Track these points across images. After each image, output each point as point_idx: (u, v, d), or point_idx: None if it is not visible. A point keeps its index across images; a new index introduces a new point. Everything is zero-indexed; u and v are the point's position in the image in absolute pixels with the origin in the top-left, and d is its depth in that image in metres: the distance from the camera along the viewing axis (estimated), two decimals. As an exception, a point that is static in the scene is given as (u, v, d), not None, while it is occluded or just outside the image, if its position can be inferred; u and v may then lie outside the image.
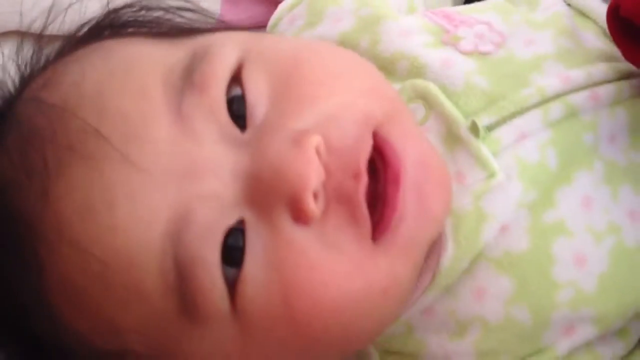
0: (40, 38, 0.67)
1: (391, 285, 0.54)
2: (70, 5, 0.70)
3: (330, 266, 0.52)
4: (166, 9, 0.67)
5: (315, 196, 0.51)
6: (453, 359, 0.61)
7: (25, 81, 0.62)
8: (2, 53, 0.69)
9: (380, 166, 0.54)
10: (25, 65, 0.63)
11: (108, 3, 0.67)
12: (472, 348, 0.60)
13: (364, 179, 0.52)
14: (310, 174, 0.50)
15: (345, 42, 0.67)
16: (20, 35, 0.69)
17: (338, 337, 0.54)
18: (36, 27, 0.69)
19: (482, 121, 0.60)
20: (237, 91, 0.54)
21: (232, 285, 0.51)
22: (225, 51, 0.55)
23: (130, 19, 0.66)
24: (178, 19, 0.67)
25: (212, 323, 0.52)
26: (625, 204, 0.60)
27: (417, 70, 0.63)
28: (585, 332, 0.60)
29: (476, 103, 0.61)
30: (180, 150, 0.51)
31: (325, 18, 0.70)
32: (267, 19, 0.82)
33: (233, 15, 0.79)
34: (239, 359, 0.54)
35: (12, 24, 0.74)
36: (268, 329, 0.52)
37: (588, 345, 0.61)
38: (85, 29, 0.65)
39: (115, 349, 0.54)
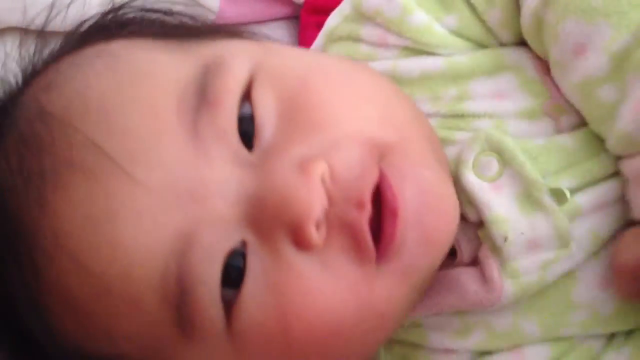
0: (42, 34, 0.66)
1: (388, 310, 0.54)
2: (72, 2, 0.69)
3: (329, 291, 0.52)
4: (167, 11, 0.66)
5: (318, 224, 0.51)
6: (451, 354, 0.61)
7: (28, 77, 0.61)
8: (4, 48, 0.69)
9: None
10: (29, 61, 0.63)
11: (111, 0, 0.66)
12: (471, 348, 0.61)
13: (368, 209, 0.51)
14: (314, 203, 0.50)
15: (426, 84, 0.63)
16: (23, 31, 0.69)
17: (333, 358, 0.54)
18: (38, 23, 0.69)
19: (562, 183, 0.56)
20: (246, 109, 0.54)
21: (229, 305, 0.52)
22: (237, 64, 0.54)
23: (134, 17, 0.65)
24: (181, 18, 0.66)
25: (207, 340, 0.52)
26: None
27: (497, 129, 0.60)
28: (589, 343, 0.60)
29: (558, 162, 0.58)
30: (191, 172, 0.51)
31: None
32: (266, 15, 0.83)
33: (233, 10, 0.79)
34: None
35: (14, 19, 0.74)
36: (263, 349, 0.53)
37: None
38: (88, 24, 0.64)
39: (110, 355, 0.54)
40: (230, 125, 0.53)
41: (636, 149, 0.54)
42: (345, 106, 0.55)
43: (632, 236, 0.54)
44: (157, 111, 0.52)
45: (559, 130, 0.59)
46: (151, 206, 0.51)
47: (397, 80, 0.63)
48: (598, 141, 0.57)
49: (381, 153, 0.54)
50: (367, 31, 0.64)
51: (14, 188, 0.54)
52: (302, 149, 0.52)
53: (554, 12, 0.56)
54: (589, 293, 0.57)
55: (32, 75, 0.61)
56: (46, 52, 0.63)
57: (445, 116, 0.61)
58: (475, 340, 0.60)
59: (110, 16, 0.65)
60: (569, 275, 0.57)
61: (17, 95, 0.60)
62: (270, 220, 0.51)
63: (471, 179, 0.57)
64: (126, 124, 0.52)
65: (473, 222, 0.58)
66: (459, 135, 0.60)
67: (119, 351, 0.54)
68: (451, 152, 0.59)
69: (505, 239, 0.56)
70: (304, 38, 0.80)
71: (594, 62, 0.54)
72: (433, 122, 0.61)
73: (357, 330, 0.53)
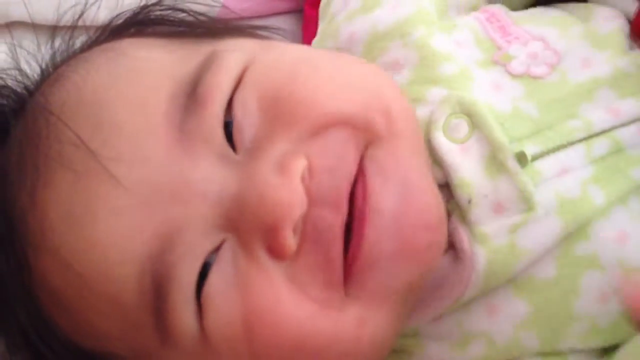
0: (73, 29, 0.68)
1: (365, 333, 0.53)
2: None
3: (295, 303, 0.51)
4: (182, 9, 0.67)
5: (294, 229, 0.50)
6: None
7: (50, 71, 0.63)
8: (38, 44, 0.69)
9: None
10: (55, 53, 0.64)
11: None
12: None
13: (343, 211, 0.51)
14: (294, 206, 0.50)
15: (397, 29, 0.64)
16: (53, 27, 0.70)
17: None
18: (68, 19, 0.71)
19: (527, 150, 0.57)
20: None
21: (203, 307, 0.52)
22: (232, 58, 0.55)
23: (157, 17, 0.66)
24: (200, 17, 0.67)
25: (182, 342, 0.53)
26: None
27: (464, 81, 0.61)
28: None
29: (522, 129, 0.58)
30: (175, 172, 0.51)
31: (385, 2, 0.66)
32: (270, 8, 0.83)
33: (236, 4, 0.79)
34: None
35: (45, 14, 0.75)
36: (230, 352, 0.53)
37: None
38: (117, 22, 0.66)
39: (102, 352, 0.56)
40: (216, 124, 0.53)
41: None
42: (330, 96, 0.54)
43: None
44: (147, 109, 0.53)
45: (510, 74, 0.61)
46: (131, 206, 0.51)
47: (374, 34, 0.64)
48: (562, 107, 0.59)
49: (366, 139, 0.53)
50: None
51: (10, 180, 0.55)
52: (283, 145, 0.52)
53: None
54: (590, 306, 0.56)
55: (53, 68, 0.63)
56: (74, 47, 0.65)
57: (415, 66, 0.62)
58: (474, 353, 0.59)
59: (136, 17, 0.66)
60: (572, 288, 0.56)
61: (35, 88, 0.62)
62: (249, 222, 0.51)
63: (441, 139, 0.58)
64: (115, 120, 0.53)
65: (439, 184, 0.58)
66: (430, 95, 0.60)
67: (109, 350, 0.56)
68: (422, 112, 0.60)
69: (469, 201, 0.57)
70: (308, 32, 0.80)
71: None
72: (407, 74, 0.62)
73: (329, 350, 0.52)
